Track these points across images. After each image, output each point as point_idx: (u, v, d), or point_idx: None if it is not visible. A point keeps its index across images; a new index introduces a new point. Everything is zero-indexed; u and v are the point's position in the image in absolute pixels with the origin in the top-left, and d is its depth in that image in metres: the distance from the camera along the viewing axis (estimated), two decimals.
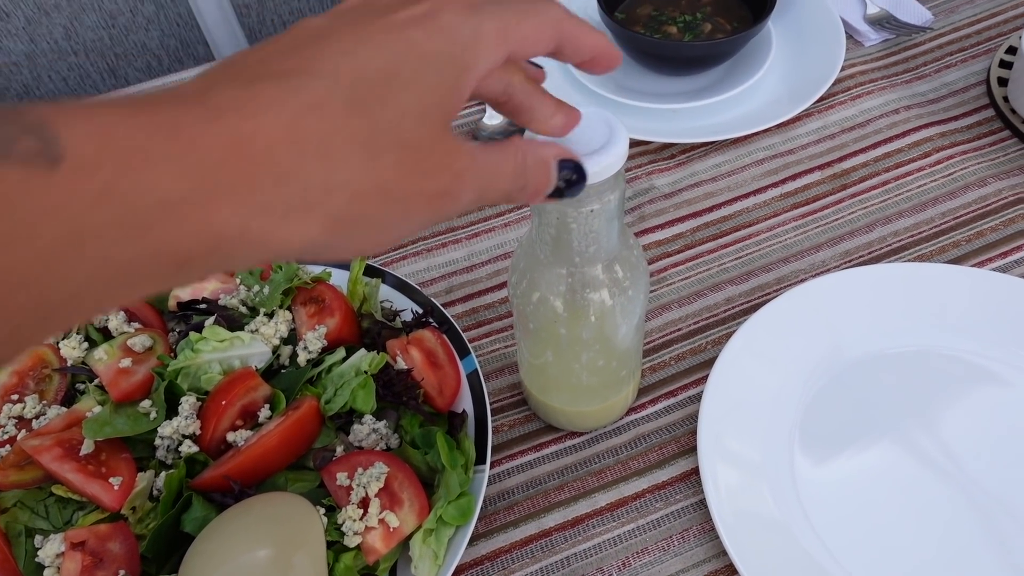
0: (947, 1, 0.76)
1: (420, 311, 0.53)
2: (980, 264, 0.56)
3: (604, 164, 0.33)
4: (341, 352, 0.48)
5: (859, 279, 0.53)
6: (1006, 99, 0.66)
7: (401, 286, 0.55)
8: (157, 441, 0.45)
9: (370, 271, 0.55)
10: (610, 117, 0.35)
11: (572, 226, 0.36)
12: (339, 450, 0.45)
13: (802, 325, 0.52)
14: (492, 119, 0.70)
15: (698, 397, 0.50)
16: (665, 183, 0.64)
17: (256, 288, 0.52)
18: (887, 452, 0.47)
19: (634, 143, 0.67)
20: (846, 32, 0.73)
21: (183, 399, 0.45)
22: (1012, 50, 0.69)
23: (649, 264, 0.59)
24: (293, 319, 0.51)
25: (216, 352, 0.46)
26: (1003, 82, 0.67)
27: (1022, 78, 0.63)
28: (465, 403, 0.49)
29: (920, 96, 0.68)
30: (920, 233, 0.59)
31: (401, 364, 0.48)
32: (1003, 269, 0.56)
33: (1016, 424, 0.48)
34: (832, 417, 0.49)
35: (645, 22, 0.72)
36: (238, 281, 0.53)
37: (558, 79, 0.72)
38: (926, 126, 0.66)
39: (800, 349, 0.51)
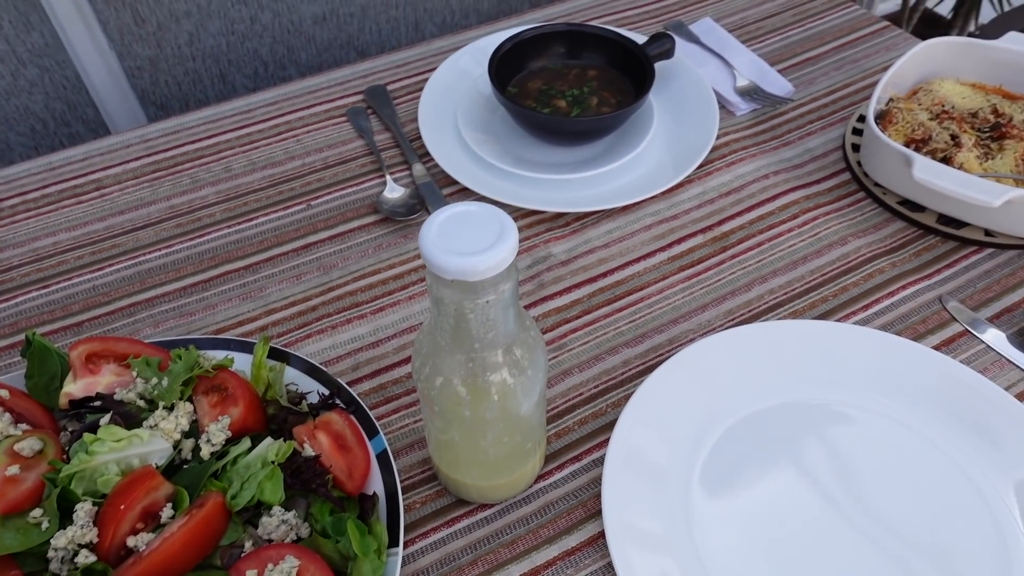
0: (806, 73, 0.85)
1: (326, 393, 0.53)
2: (844, 318, 0.62)
3: (497, 259, 0.35)
4: (246, 442, 0.48)
5: (738, 339, 0.58)
6: (859, 163, 0.74)
7: (306, 368, 0.55)
8: (50, 553, 0.43)
9: (274, 354, 0.55)
10: (499, 212, 0.37)
11: (469, 316, 0.38)
12: (248, 545, 0.44)
13: (689, 385, 0.55)
14: (393, 192, 0.72)
15: (602, 460, 0.53)
16: (561, 251, 0.67)
17: (154, 380, 0.50)
18: (782, 504, 0.51)
19: (530, 212, 0.70)
20: (719, 103, 0.80)
21: (78, 506, 0.43)
22: (863, 118, 0.78)
23: (549, 331, 0.62)
24: (195, 410, 0.50)
25: (113, 453, 0.45)
26: (856, 147, 0.75)
27: (871, 144, 0.70)
28: (376, 484, 0.49)
29: (786, 162, 0.75)
30: (793, 290, 0.64)
31: (308, 451, 0.48)
32: (864, 321, 0.62)
33: (935, 476, 0.52)
34: (725, 470, 0.52)
35: (536, 96, 0.77)
36: (134, 373, 0.51)
37: (458, 154, 0.74)
38: (793, 190, 0.72)
39: (689, 409, 0.55)
